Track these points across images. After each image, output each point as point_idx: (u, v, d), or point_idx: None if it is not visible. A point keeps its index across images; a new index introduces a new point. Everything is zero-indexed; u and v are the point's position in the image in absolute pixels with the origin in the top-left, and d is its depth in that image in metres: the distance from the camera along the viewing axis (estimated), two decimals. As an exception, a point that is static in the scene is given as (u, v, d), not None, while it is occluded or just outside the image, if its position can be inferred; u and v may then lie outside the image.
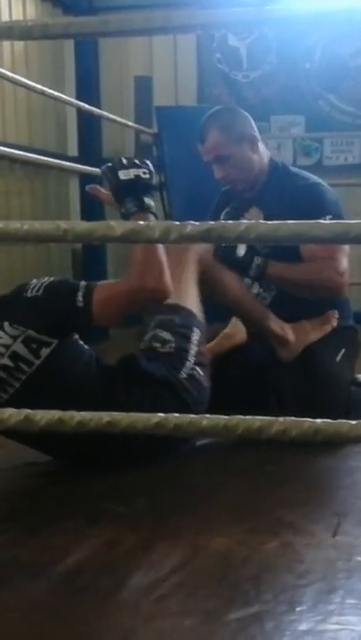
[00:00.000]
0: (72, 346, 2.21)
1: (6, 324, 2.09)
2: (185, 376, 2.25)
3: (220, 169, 2.81)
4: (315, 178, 2.87)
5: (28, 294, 2.11)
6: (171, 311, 2.34)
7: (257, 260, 2.59)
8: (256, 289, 2.79)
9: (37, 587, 1.54)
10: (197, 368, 2.28)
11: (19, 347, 2.09)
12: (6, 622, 1.42)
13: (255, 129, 2.85)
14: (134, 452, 2.14)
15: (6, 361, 2.09)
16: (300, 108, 5.94)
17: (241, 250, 2.56)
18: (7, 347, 2.09)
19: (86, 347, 2.27)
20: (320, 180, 2.85)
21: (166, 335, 2.31)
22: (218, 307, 2.64)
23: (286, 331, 2.63)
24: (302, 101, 5.92)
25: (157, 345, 2.31)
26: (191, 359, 2.28)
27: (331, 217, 2.58)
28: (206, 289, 2.47)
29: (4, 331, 2.09)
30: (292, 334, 2.63)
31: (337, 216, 2.63)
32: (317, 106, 5.93)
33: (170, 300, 2.25)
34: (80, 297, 2.07)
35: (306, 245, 2.55)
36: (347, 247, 2.69)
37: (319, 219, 2.58)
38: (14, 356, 2.09)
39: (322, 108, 5.93)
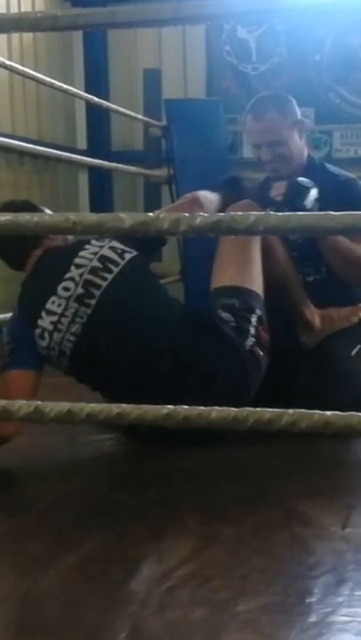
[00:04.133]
0: (148, 267, 2.47)
1: (92, 240, 2.39)
2: (247, 349, 2.32)
3: (269, 151, 2.79)
4: (351, 174, 2.90)
5: None
6: (233, 294, 2.40)
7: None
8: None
9: (49, 577, 1.54)
10: (257, 347, 2.34)
11: (106, 251, 2.37)
12: (17, 612, 1.43)
13: None
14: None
15: (95, 263, 2.34)
16: (310, 100, 5.90)
17: (308, 203, 2.52)
18: (95, 253, 2.36)
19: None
20: (356, 177, 2.88)
21: (226, 315, 2.36)
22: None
23: (315, 317, 2.66)
24: (312, 94, 5.89)
25: (217, 320, 2.36)
26: (252, 338, 2.33)
27: None
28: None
29: (90, 244, 2.38)
30: (320, 321, 2.66)
31: None
32: (327, 98, 5.91)
33: (233, 283, 2.39)
34: None
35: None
36: None
37: None
38: (102, 259, 2.35)
39: (332, 101, 5.91)
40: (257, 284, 2.44)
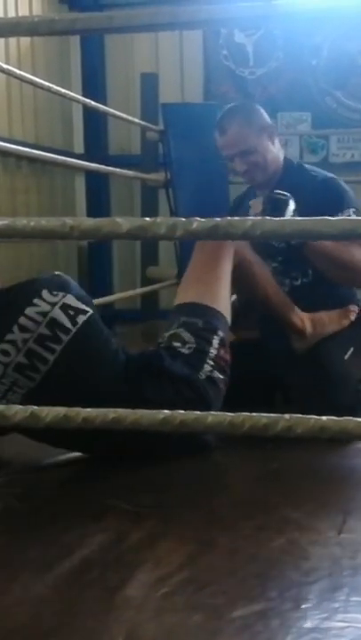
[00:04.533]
0: (102, 324, 2.21)
1: (45, 291, 2.08)
2: (203, 377, 2.24)
3: (242, 162, 2.79)
4: (329, 173, 2.88)
5: None
6: (197, 313, 2.33)
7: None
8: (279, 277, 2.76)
9: (44, 582, 1.54)
10: (216, 372, 2.26)
11: (57, 313, 2.07)
12: (13, 617, 1.42)
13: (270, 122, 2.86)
14: (150, 447, 2.15)
15: (43, 329, 2.05)
16: (307, 104, 5.93)
17: (287, 216, 2.48)
18: (45, 314, 2.06)
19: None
20: (334, 175, 2.87)
21: (187, 336, 2.29)
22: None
23: (305, 322, 2.64)
24: (309, 98, 5.92)
25: (177, 344, 2.29)
26: (210, 362, 2.26)
27: (354, 210, 2.60)
28: (237, 281, 2.46)
29: (41, 298, 2.07)
30: (310, 326, 2.64)
31: (357, 210, 2.65)
32: (324, 102, 5.92)
33: (198, 300, 2.28)
34: None
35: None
36: None
37: (341, 212, 2.61)
38: (51, 324, 2.06)
39: (329, 105, 5.93)
40: (223, 305, 2.37)
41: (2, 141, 4.03)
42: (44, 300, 2.07)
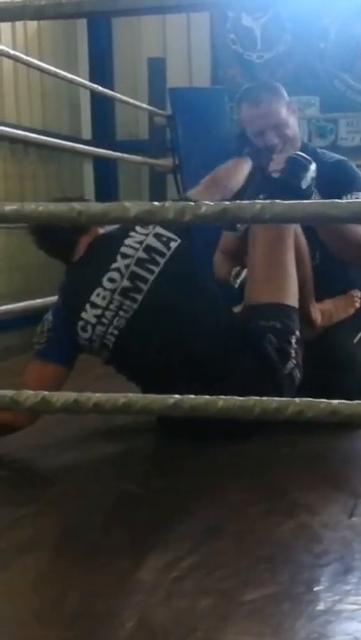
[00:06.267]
0: (193, 255, 2.38)
1: (138, 227, 2.31)
2: (286, 372, 2.29)
3: (273, 135, 2.75)
4: (342, 157, 2.88)
5: None
6: (274, 314, 2.35)
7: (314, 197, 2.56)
8: None
9: (55, 565, 1.55)
10: (295, 370, 2.32)
11: (151, 240, 2.31)
12: (24, 600, 1.43)
13: None
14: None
15: (141, 253, 2.29)
16: (315, 88, 5.88)
17: (305, 182, 2.47)
18: (141, 242, 2.30)
19: None
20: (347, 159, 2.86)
21: (269, 337, 2.31)
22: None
23: (318, 315, 2.64)
24: (317, 81, 5.87)
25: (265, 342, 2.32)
26: (293, 360, 2.31)
27: None
28: None
29: (135, 231, 2.32)
30: (320, 317, 2.64)
31: None
32: (332, 86, 5.88)
33: (271, 300, 2.35)
34: None
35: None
36: None
37: (351, 193, 2.59)
38: (148, 249, 2.30)
39: (337, 89, 5.88)
40: (294, 295, 2.40)
41: (9, 128, 4.02)
42: (138, 232, 2.32)
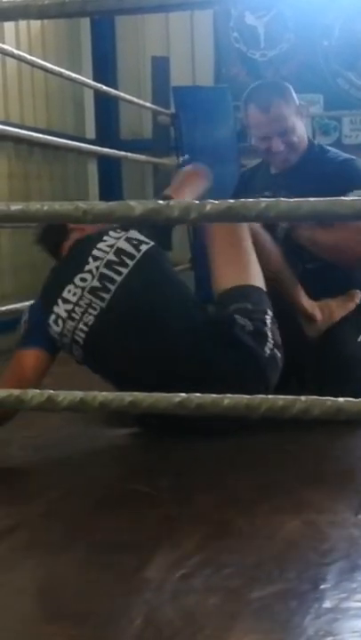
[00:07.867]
0: (164, 258, 2.46)
1: (111, 231, 2.40)
2: (267, 355, 2.30)
3: (279, 142, 2.74)
4: (351, 156, 2.88)
5: None
6: (243, 296, 2.38)
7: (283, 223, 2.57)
8: None
9: (63, 564, 1.55)
10: (275, 349, 2.32)
11: (122, 243, 2.38)
12: (31, 600, 1.43)
13: None
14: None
15: (111, 256, 2.36)
16: (319, 86, 5.88)
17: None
18: (112, 245, 2.38)
19: None
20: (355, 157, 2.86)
21: (243, 321, 2.32)
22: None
23: (315, 309, 2.64)
24: (321, 79, 5.86)
25: (237, 330, 2.33)
26: (271, 340, 2.32)
27: None
28: None
29: (109, 235, 2.39)
30: (319, 312, 2.64)
31: None
32: (336, 84, 5.87)
33: (238, 283, 2.37)
34: None
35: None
36: None
37: (355, 190, 2.60)
38: (118, 252, 2.37)
39: (341, 87, 5.87)
40: (259, 278, 2.42)
41: (14, 127, 4.03)
42: (111, 236, 2.40)
